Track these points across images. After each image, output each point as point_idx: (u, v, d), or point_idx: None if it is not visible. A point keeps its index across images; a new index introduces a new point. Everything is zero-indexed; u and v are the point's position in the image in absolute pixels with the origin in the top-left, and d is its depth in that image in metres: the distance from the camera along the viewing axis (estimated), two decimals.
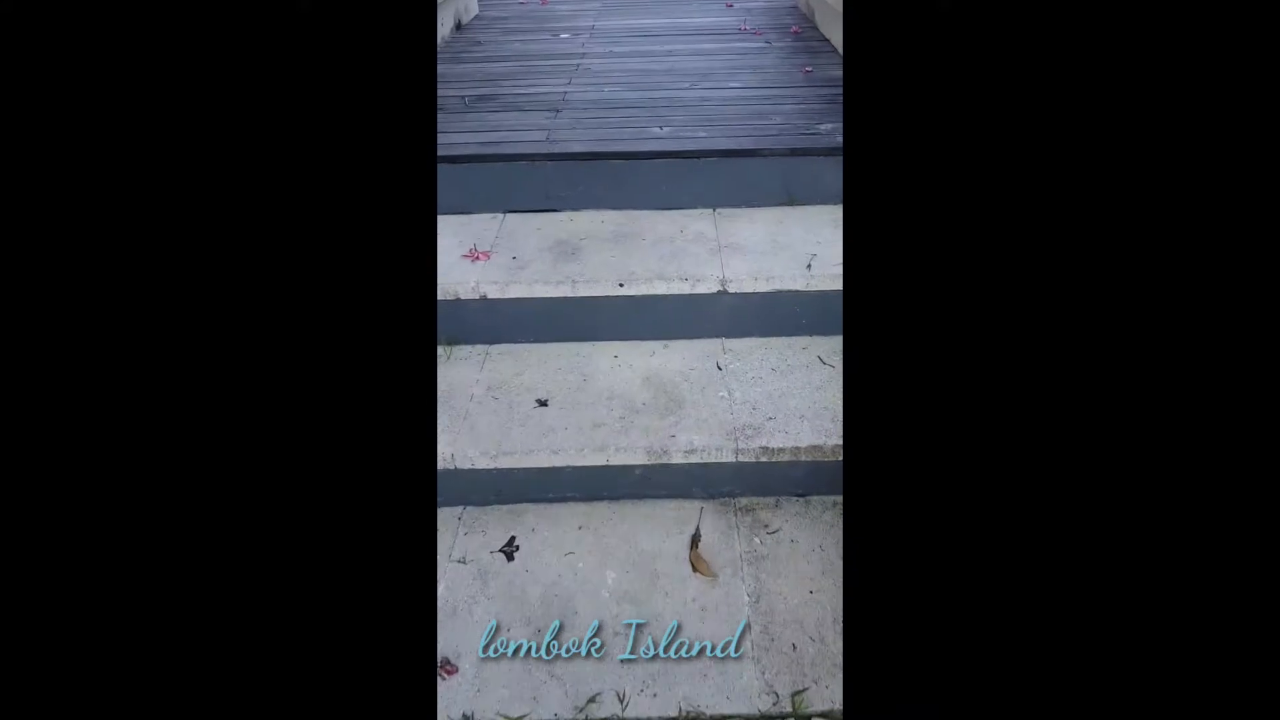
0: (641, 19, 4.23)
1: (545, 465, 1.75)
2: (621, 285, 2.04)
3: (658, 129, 2.51)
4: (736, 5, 4.51)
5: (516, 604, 1.59)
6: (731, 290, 2.04)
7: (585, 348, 2.08)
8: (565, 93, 2.93)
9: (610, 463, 1.76)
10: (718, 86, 2.95)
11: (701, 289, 2.04)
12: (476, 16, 4.39)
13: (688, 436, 1.78)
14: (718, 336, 2.11)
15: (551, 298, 2.04)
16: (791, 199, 2.40)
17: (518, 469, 1.77)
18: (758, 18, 4.14)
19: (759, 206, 2.39)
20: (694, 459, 1.76)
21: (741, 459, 1.76)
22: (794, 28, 3.88)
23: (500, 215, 2.40)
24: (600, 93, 2.92)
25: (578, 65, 3.32)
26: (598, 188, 2.39)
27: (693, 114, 2.65)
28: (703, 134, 2.47)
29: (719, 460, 1.77)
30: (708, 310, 2.09)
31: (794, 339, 2.09)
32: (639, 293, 2.04)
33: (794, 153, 2.35)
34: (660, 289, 2.04)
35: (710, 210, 2.40)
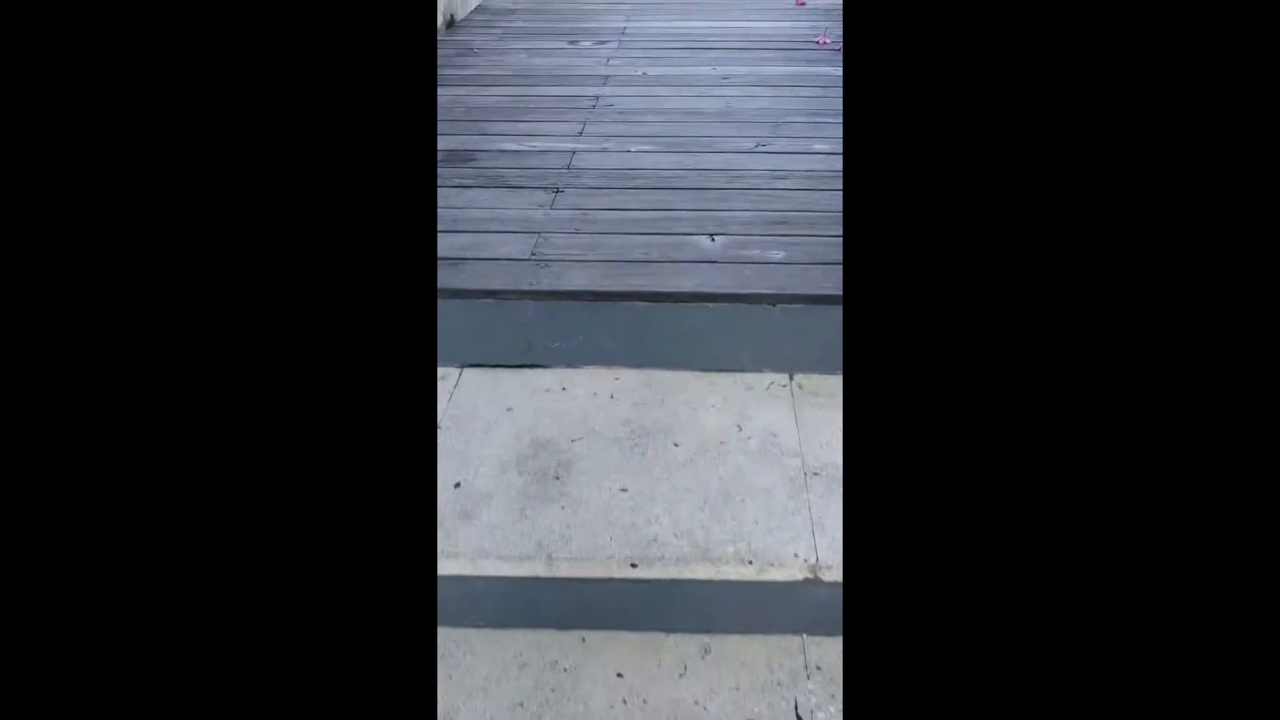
0: (686, 20, 3.31)
1: None
2: (635, 565, 1.19)
3: (707, 239, 1.63)
4: (810, 3, 3.57)
5: None
6: (827, 579, 1.19)
7: (570, 648, 1.23)
8: (573, 152, 2.04)
9: None
10: (796, 150, 2.05)
11: (775, 575, 1.19)
12: (477, 8, 3.49)
13: None
14: (798, 633, 1.26)
15: (515, 578, 1.20)
16: None
17: None
18: (839, 23, 3.20)
19: None
20: None
21: None
22: None
23: (454, 372, 1.55)
24: (624, 154, 2.04)
25: (596, 99, 2.42)
26: (607, 336, 1.53)
27: (760, 206, 1.76)
28: (779, 254, 1.58)
29: None
30: (784, 602, 1.24)
31: None
32: (664, 576, 1.20)
33: None
34: (702, 573, 1.19)
35: (786, 380, 1.53)
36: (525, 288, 1.45)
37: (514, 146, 2.07)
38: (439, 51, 2.89)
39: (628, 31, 3.13)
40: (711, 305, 1.45)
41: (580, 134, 2.16)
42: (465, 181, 1.88)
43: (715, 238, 1.62)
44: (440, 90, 2.50)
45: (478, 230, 1.66)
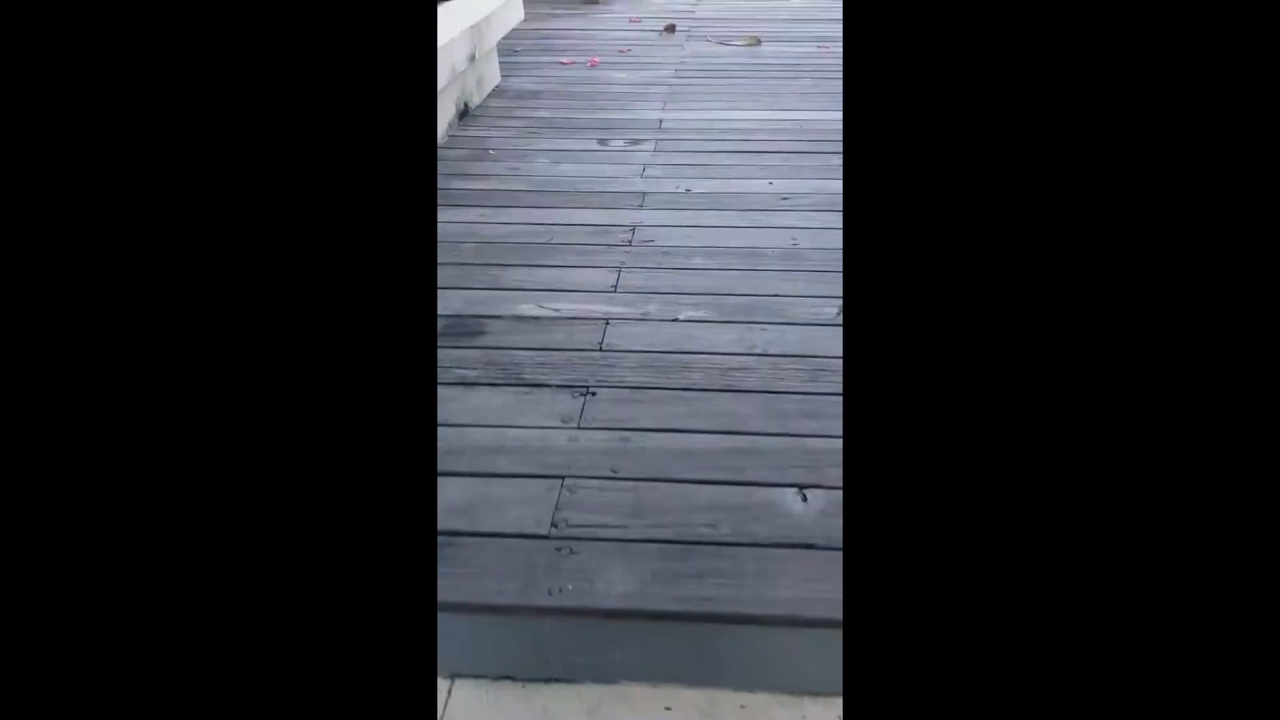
0: (730, 109, 2.90)
1: None
2: None
3: (796, 496, 1.20)
4: None
5: None
6: None
7: None
8: (607, 322, 1.62)
9: None
10: None
11: None
12: (496, 90, 3.12)
13: None
14: None
15: None
16: None
17: None
18: None
19: None
20: None
21: None
22: None
23: (441, 687, 1.13)
24: (670, 323, 1.60)
25: (632, 231, 2.01)
26: (656, 655, 1.10)
27: None
28: None
29: None
30: None
31: None
32: None
33: None
34: None
35: None
36: (542, 602, 1.02)
37: (533, 310, 1.66)
38: (449, 153, 2.51)
39: (665, 125, 2.74)
40: (810, 630, 1.02)
41: (615, 287, 1.74)
42: (469, 373, 1.46)
43: (808, 494, 1.19)
44: (447, 214, 2.10)
45: (480, 471, 1.23)
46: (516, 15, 3.16)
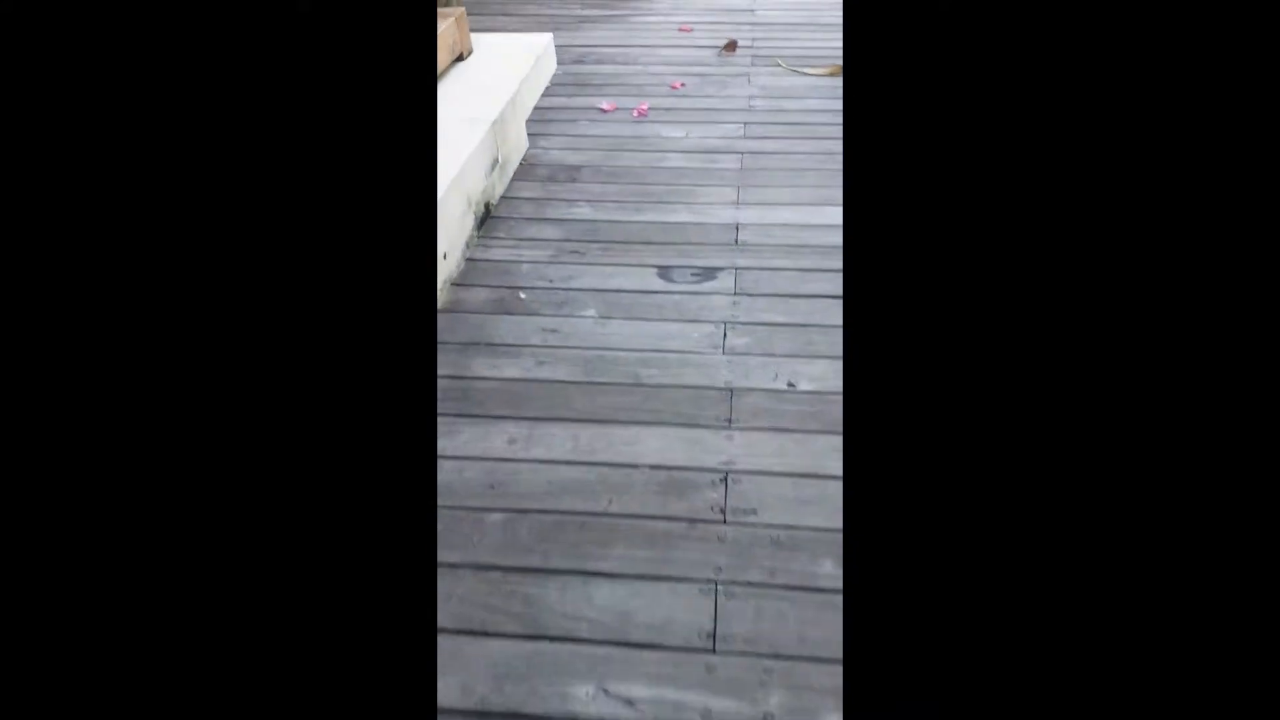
0: (829, 201, 2.26)
1: None
2: None
3: None
4: None
5: None
6: None
7: None
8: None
9: None
10: None
11: None
12: (523, 165, 2.50)
13: None
14: None
15: None
16: None
17: None
18: None
19: None
20: None
21: None
22: None
23: None
24: None
25: (724, 479, 1.43)
26: None
27: None
28: None
29: None
30: None
31: None
32: None
33: None
34: None
35: None
36: None
37: (592, 701, 1.10)
38: (467, 296, 1.93)
39: (743, 236, 2.11)
40: None
41: (713, 636, 1.17)
42: None
43: None
44: (462, 438, 1.54)
45: None
46: (549, 70, 2.52)
